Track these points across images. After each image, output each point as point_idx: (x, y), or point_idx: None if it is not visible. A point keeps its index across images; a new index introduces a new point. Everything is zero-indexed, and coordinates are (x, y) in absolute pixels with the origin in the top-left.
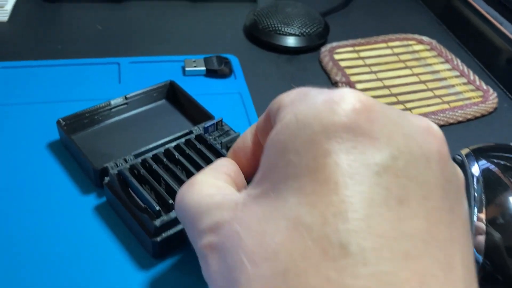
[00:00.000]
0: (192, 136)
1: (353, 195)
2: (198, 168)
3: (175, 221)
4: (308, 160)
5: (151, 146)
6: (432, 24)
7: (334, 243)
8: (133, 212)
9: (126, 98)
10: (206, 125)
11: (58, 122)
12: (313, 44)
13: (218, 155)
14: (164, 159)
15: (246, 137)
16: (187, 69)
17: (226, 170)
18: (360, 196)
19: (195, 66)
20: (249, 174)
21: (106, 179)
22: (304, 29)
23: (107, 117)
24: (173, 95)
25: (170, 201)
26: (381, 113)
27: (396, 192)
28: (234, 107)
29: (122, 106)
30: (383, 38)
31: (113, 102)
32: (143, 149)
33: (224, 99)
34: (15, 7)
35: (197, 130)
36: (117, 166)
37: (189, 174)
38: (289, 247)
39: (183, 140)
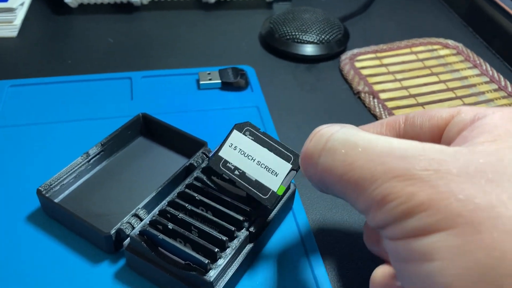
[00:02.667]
0: (199, 170)
1: None
2: (224, 203)
3: (225, 270)
4: None
5: (154, 193)
6: (457, 26)
7: None
8: (172, 272)
9: (102, 145)
10: (210, 154)
11: (39, 192)
12: (333, 51)
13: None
14: (187, 205)
15: None
16: (201, 82)
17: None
18: None
19: (209, 79)
20: None
21: (126, 242)
22: (322, 36)
23: (85, 171)
24: (149, 128)
25: (216, 250)
26: None
27: None
28: (252, 122)
29: (98, 156)
30: (406, 43)
31: (91, 152)
32: (148, 199)
33: (240, 114)
34: (24, 22)
35: (198, 161)
36: (131, 225)
37: (217, 213)
38: None
39: (192, 178)
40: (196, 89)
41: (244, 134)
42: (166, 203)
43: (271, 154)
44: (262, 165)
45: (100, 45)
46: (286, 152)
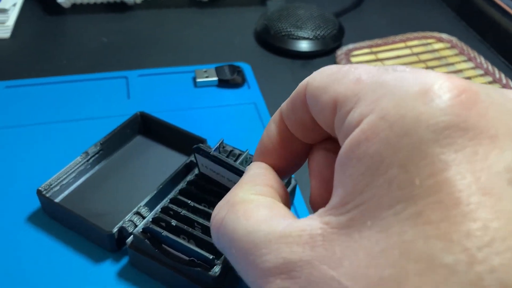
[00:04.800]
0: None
1: (494, 218)
2: None
3: (229, 265)
4: (423, 177)
5: (155, 191)
6: (450, 20)
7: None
8: (176, 269)
9: (101, 144)
10: (212, 151)
11: (39, 192)
12: (328, 47)
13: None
14: (189, 201)
15: (270, 132)
16: (198, 80)
17: (265, 180)
18: (504, 217)
19: (206, 77)
20: (282, 173)
21: (129, 240)
22: (318, 32)
23: (85, 171)
24: (147, 127)
25: None
26: (488, 101)
27: None
28: (249, 119)
29: (97, 155)
30: (401, 37)
31: (90, 151)
32: (149, 197)
33: (238, 111)
34: (17, 23)
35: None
36: (134, 223)
37: None
38: None
39: (193, 175)
40: (193, 86)
41: (202, 156)
42: (168, 201)
43: (229, 172)
44: (232, 182)
45: (94, 45)
46: (238, 172)
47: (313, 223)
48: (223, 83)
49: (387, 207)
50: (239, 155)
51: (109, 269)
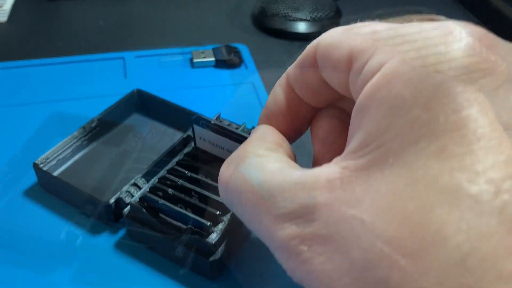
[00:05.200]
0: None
1: None
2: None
3: (228, 233)
4: (447, 114)
5: (153, 164)
6: (449, 3)
7: None
8: (174, 237)
9: (97, 120)
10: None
11: (35, 165)
12: (326, 29)
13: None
14: (186, 171)
15: (276, 95)
16: (195, 60)
17: (275, 139)
18: None
19: (203, 57)
20: (286, 138)
21: (126, 210)
22: (315, 14)
23: (82, 146)
24: (144, 104)
25: (218, 212)
26: (505, 46)
27: None
28: (247, 98)
29: (94, 131)
30: (399, 19)
31: (86, 126)
32: (146, 169)
33: (236, 90)
34: (14, 7)
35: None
36: (131, 194)
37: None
38: (460, 227)
39: (190, 148)
40: (190, 67)
41: (202, 127)
42: (165, 172)
43: (231, 141)
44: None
45: (90, 28)
46: (240, 138)
47: (331, 168)
48: (220, 63)
49: (410, 144)
50: (237, 128)
51: (107, 241)
